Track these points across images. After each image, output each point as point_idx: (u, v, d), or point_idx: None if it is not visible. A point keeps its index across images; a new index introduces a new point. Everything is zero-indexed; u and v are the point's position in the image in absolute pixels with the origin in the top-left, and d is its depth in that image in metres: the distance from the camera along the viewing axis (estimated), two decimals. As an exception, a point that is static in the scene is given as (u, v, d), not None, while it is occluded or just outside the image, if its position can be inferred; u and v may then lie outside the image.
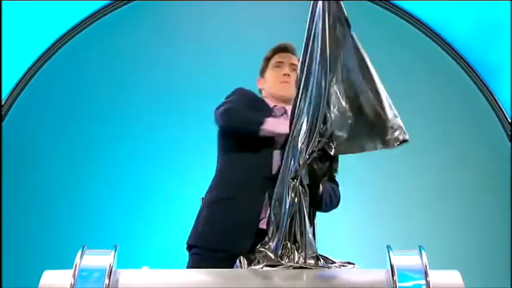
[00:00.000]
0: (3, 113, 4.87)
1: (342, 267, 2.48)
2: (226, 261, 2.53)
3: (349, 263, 2.52)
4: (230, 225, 2.76)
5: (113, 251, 2.27)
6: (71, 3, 4.92)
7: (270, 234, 2.44)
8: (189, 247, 2.88)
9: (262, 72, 3.12)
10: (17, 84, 4.93)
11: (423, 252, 2.26)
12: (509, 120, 4.87)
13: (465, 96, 5.02)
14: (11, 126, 4.90)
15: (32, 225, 4.74)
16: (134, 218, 4.79)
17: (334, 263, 2.48)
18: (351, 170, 4.77)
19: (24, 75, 4.96)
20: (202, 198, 2.95)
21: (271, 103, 3.00)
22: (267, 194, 2.70)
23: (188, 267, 2.86)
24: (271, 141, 2.77)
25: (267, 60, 3.12)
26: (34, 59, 4.97)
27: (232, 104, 2.89)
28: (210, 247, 2.76)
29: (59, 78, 5.03)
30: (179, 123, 4.86)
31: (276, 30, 4.99)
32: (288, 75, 3.02)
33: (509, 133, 4.87)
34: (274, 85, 3.04)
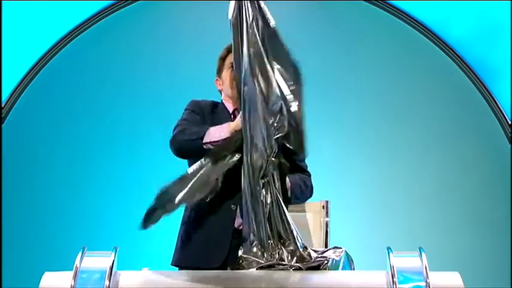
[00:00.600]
0: (3, 115, 4.87)
1: (331, 253, 2.46)
2: None
3: (336, 247, 2.51)
4: (203, 243, 2.76)
5: (113, 253, 2.27)
6: (69, 6, 4.91)
7: (250, 240, 2.44)
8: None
9: (219, 72, 3.05)
10: (17, 86, 4.93)
11: (423, 254, 2.26)
12: (510, 123, 4.87)
13: (465, 98, 5.02)
14: (12, 127, 4.90)
15: (33, 226, 4.74)
16: (134, 219, 4.77)
17: (323, 252, 2.47)
18: (352, 172, 4.80)
19: (24, 77, 4.95)
20: None
21: (230, 106, 2.95)
22: (238, 205, 2.70)
23: None
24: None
25: (222, 60, 3.04)
26: (34, 61, 4.96)
27: (176, 130, 2.88)
28: (186, 265, 2.75)
29: (59, 81, 5.03)
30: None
31: (282, 34, 4.99)
32: None
33: (510, 135, 4.87)
34: (231, 88, 2.93)
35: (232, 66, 2.86)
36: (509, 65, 4.75)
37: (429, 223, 4.76)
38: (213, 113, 2.96)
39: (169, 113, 4.88)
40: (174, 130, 2.92)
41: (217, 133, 2.70)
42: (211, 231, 2.74)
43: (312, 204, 3.08)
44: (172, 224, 4.50)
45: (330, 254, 2.46)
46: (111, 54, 5.06)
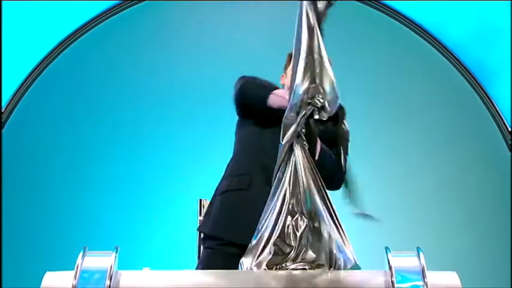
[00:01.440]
0: (4, 118, 4.86)
1: None
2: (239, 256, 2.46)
3: None
4: (241, 215, 2.75)
5: (114, 253, 2.27)
6: (69, 9, 4.91)
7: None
8: (204, 239, 2.84)
9: (285, 68, 3.08)
10: (18, 89, 4.93)
11: (421, 254, 2.26)
12: (510, 130, 4.86)
13: (462, 100, 5.03)
14: (13, 128, 4.90)
15: (34, 227, 4.74)
16: (135, 219, 4.79)
17: None
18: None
19: (24, 81, 4.95)
20: (200, 199, 2.95)
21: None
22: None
23: (201, 261, 2.83)
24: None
25: (290, 56, 3.06)
26: (33, 65, 4.96)
27: (248, 78, 2.93)
28: (220, 236, 2.73)
29: (59, 84, 5.03)
30: (179, 127, 4.86)
31: (275, 34, 4.99)
32: None
33: (509, 140, 4.87)
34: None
35: None
36: (510, 69, 4.75)
37: (427, 223, 4.77)
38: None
39: (169, 114, 4.93)
40: (238, 83, 2.94)
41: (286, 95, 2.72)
42: (248, 208, 2.68)
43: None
44: (172, 225, 4.53)
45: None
46: (112, 57, 5.07)
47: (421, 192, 4.86)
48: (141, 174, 4.87)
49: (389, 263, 2.24)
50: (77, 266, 2.19)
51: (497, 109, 4.93)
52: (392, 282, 2.17)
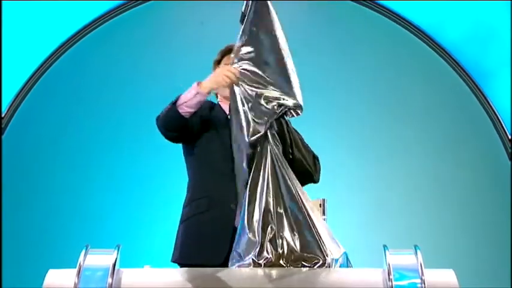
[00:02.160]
0: (5, 122, 4.86)
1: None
2: None
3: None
4: (203, 240, 2.74)
5: (116, 251, 2.28)
6: (69, 12, 4.91)
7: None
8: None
9: (215, 64, 3.06)
10: (18, 93, 4.93)
11: (418, 252, 2.27)
12: (509, 137, 4.87)
13: (459, 100, 5.02)
14: (16, 128, 4.90)
15: (38, 227, 4.74)
16: (136, 218, 4.79)
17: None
18: (350, 172, 4.80)
19: (24, 85, 4.94)
20: None
21: (226, 108, 2.88)
22: (237, 204, 2.70)
23: None
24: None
25: (217, 62, 3.04)
26: (34, 68, 4.95)
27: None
28: (186, 263, 2.73)
29: (59, 88, 5.02)
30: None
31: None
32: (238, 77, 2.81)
33: (508, 147, 4.87)
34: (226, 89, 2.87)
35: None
36: (510, 73, 4.75)
37: (425, 223, 4.77)
38: (210, 113, 2.95)
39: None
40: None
41: (187, 94, 2.77)
42: (211, 229, 2.71)
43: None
44: (172, 222, 4.51)
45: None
46: (113, 59, 5.07)
47: (420, 191, 4.86)
48: (141, 174, 4.87)
49: (387, 261, 2.24)
50: (80, 264, 2.20)
51: (493, 108, 4.93)
52: (390, 279, 2.18)
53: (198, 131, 2.88)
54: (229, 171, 2.73)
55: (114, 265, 2.20)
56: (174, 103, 2.79)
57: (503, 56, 4.84)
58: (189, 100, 2.77)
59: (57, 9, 4.84)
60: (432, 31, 5.03)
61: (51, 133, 4.93)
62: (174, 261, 2.85)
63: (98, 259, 2.23)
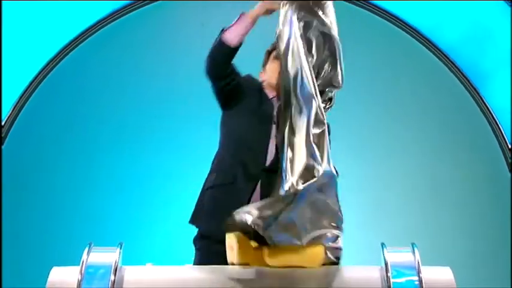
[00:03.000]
0: (9, 122, 4.87)
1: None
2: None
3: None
4: (228, 208, 2.74)
5: (118, 249, 2.28)
6: (69, 17, 4.91)
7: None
8: (196, 239, 2.85)
9: (264, 65, 3.08)
10: (25, 90, 4.93)
11: (416, 250, 2.27)
12: (505, 137, 4.87)
13: (456, 100, 5.02)
14: (19, 131, 4.90)
15: (44, 226, 4.75)
16: (138, 217, 4.80)
17: None
18: (348, 171, 4.79)
19: (29, 85, 4.94)
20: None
21: (270, 94, 2.98)
22: (259, 183, 2.75)
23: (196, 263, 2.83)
24: (267, 121, 2.81)
25: (268, 53, 3.07)
26: (36, 71, 4.95)
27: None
28: (209, 234, 2.74)
29: (62, 88, 5.02)
30: (180, 127, 4.86)
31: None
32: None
33: (505, 147, 4.87)
34: (273, 75, 2.96)
35: (277, 58, 2.89)
36: (506, 77, 4.76)
37: (421, 221, 4.77)
38: (254, 89, 2.99)
39: (171, 115, 4.93)
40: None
41: (236, 21, 2.83)
42: (236, 204, 2.62)
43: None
44: (173, 221, 4.52)
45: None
46: (114, 61, 5.06)
47: (417, 191, 4.86)
48: (143, 174, 4.87)
49: (385, 258, 2.25)
50: (83, 261, 2.20)
51: (490, 109, 4.94)
52: (388, 277, 2.18)
53: (240, 98, 2.93)
54: (259, 149, 2.79)
55: (116, 263, 2.21)
56: (222, 32, 2.85)
57: (500, 57, 4.84)
58: (234, 25, 2.83)
59: (57, 12, 4.83)
60: (429, 33, 5.03)
61: (54, 134, 4.93)
62: (204, 234, 2.82)
63: (101, 257, 2.24)
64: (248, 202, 2.66)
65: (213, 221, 2.75)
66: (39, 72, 4.97)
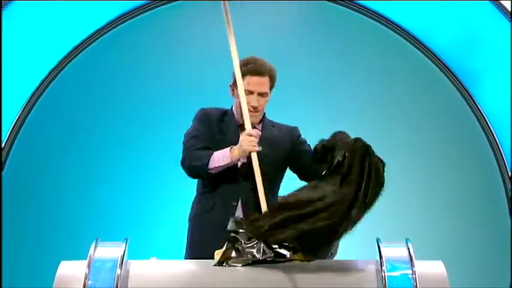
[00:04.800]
0: (23, 117, 4.87)
1: None
2: None
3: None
4: (207, 238, 2.77)
5: (124, 243, 2.28)
6: (75, 22, 4.91)
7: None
8: None
9: (234, 85, 2.90)
10: (34, 93, 4.93)
11: (409, 244, 2.27)
12: (486, 119, 4.87)
13: (448, 101, 5.02)
14: (28, 131, 4.89)
15: (53, 222, 4.75)
16: (143, 213, 4.79)
17: None
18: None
19: (35, 91, 4.94)
20: None
21: (239, 117, 2.90)
22: (238, 202, 2.81)
23: None
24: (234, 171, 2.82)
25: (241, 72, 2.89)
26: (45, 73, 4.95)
27: (184, 153, 2.92)
28: (194, 257, 2.76)
29: (69, 90, 5.01)
30: (184, 126, 4.84)
31: (279, 38, 5.00)
32: (255, 108, 2.86)
33: (494, 144, 4.87)
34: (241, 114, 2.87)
35: (249, 93, 2.83)
36: (499, 83, 4.77)
37: (415, 217, 4.77)
38: (222, 121, 2.95)
39: (175, 114, 4.92)
40: (183, 151, 2.95)
41: (220, 160, 2.78)
42: (214, 227, 2.73)
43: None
44: (178, 217, 4.51)
45: None
46: (119, 64, 5.05)
47: (411, 189, 4.85)
48: (148, 172, 4.87)
49: (380, 252, 2.25)
50: (90, 255, 2.20)
51: (480, 108, 4.93)
52: (383, 270, 2.18)
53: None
54: (235, 174, 2.81)
55: (122, 257, 2.20)
56: (206, 165, 2.79)
57: (489, 59, 4.85)
58: (220, 166, 2.79)
59: (64, 17, 4.83)
60: (422, 36, 5.04)
61: (62, 133, 4.92)
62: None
63: (107, 251, 2.24)
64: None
65: (193, 249, 2.84)
66: (48, 74, 4.96)
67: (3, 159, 4.73)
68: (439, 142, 4.94)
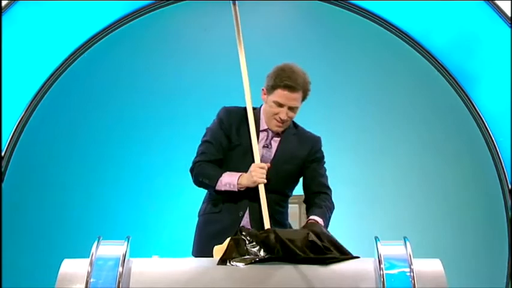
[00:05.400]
0: (26, 117, 4.87)
1: None
2: None
3: None
4: (210, 236, 2.77)
5: (126, 242, 2.27)
6: (79, 23, 4.91)
7: None
8: None
9: (267, 91, 2.82)
10: (38, 91, 4.93)
11: (407, 243, 2.27)
12: (482, 119, 4.88)
13: (445, 101, 5.02)
14: (33, 129, 4.89)
15: (55, 221, 4.76)
16: (145, 212, 4.80)
17: None
18: (343, 168, 4.80)
19: (40, 89, 4.94)
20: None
21: (263, 124, 2.86)
22: (245, 212, 2.80)
23: None
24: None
25: (272, 87, 2.80)
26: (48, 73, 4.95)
27: (196, 161, 2.89)
28: (199, 255, 2.76)
29: (73, 89, 5.01)
30: (186, 124, 4.85)
31: (281, 40, 5.00)
32: (283, 121, 2.80)
33: (490, 142, 4.88)
34: (270, 117, 2.82)
35: (279, 105, 2.77)
36: (495, 85, 4.78)
37: (413, 215, 4.77)
38: (243, 122, 2.85)
39: (176, 115, 4.93)
40: (196, 155, 2.92)
41: (227, 186, 2.76)
42: (218, 231, 2.73)
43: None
44: (179, 217, 4.52)
45: None
46: (120, 65, 5.05)
47: (409, 187, 4.86)
48: (150, 170, 4.87)
49: (378, 251, 2.24)
50: (92, 254, 2.20)
51: (476, 108, 4.93)
52: (381, 268, 2.17)
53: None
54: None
55: (124, 255, 2.20)
56: (213, 186, 2.79)
57: (486, 60, 4.85)
58: (226, 190, 2.78)
59: (68, 18, 4.83)
60: (420, 37, 5.04)
61: (66, 131, 4.93)
62: (194, 256, 2.87)
63: (109, 249, 2.23)
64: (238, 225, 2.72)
65: (200, 247, 2.83)
66: (53, 73, 4.96)
67: (3, 159, 4.73)
68: (436, 140, 4.94)
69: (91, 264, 2.17)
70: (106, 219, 4.68)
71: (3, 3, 4.53)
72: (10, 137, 4.78)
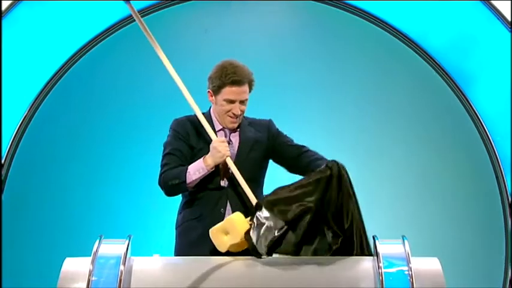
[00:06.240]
0: (28, 117, 4.87)
1: None
2: None
3: None
4: (195, 243, 2.76)
5: (127, 241, 2.28)
6: (80, 24, 4.91)
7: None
8: None
9: (214, 92, 2.92)
10: (40, 92, 4.93)
11: (406, 242, 2.27)
12: (480, 119, 4.88)
13: (442, 101, 5.01)
14: (34, 130, 4.89)
15: (57, 220, 4.75)
16: (146, 211, 4.79)
17: None
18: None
19: (42, 90, 4.94)
20: None
21: (217, 124, 2.93)
22: (225, 209, 2.79)
23: None
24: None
25: (219, 87, 2.89)
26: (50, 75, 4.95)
27: (161, 171, 2.90)
28: None
29: (75, 90, 5.01)
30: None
31: (280, 42, 4.99)
32: (237, 116, 2.87)
33: (487, 142, 4.88)
34: (223, 116, 2.89)
35: (230, 102, 2.84)
36: (492, 85, 4.78)
37: (411, 215, 4.77)
38: (199, 129, 2.92)
39: (177, 115, 4.92)
40: (161, 167, 2.93)
41: (197, 173, 2.76)
42: (203, 235, 2.64)
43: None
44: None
45: None
46: (120, 66, 5.04)
47: (407, 186, 4.85)
48: (151, 169, 4.86)
49: (377, 250, 2.24)
50: (94, 252, 2.20)
51: (474, 108, 4.93)
52: (380, 267, 2.17)
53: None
54: (218, 181, 2.81)
55: (125, 254, 2.20)
56: (183, 182, 2.78)
57: (483, 61, 4.86)
58: (198, 178, 2.77)
59: (69, 20, 4.82)
60: (417, 38, 5.04)
61: (67, 131, 4.92)
62: None
63: (111, 248, 2.24)
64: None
65: (178, 250, 2.85)
66: (55, 74, 4.96)
67: (3, 159, 4.73)
68: (434, 142, 4.94)
69: (93, 262, 2.17)
70: (107, 218, 4.67)
71: (6, 3, 4.53)
72: (12, 138, 4.78)
